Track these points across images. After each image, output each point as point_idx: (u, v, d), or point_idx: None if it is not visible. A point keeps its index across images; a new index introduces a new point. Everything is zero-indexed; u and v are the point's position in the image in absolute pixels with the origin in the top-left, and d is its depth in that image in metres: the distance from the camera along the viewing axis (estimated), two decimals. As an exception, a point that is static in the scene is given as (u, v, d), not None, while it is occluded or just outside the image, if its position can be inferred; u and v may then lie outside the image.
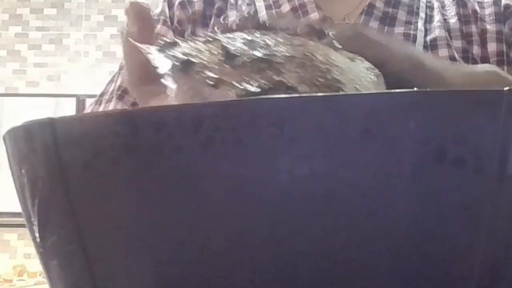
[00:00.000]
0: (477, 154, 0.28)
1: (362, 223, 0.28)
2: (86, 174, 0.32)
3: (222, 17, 0.74)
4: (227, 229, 0.29)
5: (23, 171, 0.34)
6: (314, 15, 0.71)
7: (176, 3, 0.76)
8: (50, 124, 0.32)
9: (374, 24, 0.70)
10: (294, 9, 0.72)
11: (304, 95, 0.28)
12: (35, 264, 3.35)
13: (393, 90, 0.28)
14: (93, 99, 0.78)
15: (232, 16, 0.75)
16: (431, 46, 0.71)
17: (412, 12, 0.72)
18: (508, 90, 0.28)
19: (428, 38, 0.71)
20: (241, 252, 0.29)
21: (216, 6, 0.75)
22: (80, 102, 3.68)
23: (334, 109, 0.28)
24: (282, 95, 0.28)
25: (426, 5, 0.74)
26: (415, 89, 0.29)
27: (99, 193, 0.32)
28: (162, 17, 0.76)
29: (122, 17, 3.94)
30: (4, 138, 0.36)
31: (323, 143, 0.28)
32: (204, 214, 0.29)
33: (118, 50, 4.14)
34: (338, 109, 0.28)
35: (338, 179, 0.28)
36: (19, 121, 0.34)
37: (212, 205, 0.29)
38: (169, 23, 0.75)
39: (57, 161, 0.32)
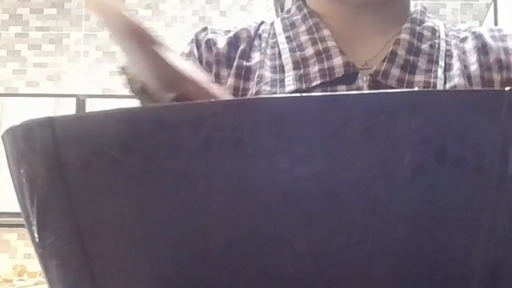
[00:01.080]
0: (478, 154, 0.28)
1: (362, 223, 0.28)
2: (85, 174, 0.31)
3: (245, 59, 0.76)
4: (227, 229, 0.29)
5: (22, 170, 0.34)
6: (337, 60, 0.72)
7: (203, 44, 0.77)
8: (49, 124, 0.32)
9: (395, 71, 0.72)
10: (317, 53, 0.73)
11: (305, 94, 0.28)
12: (35, 264, 3.35)
13: (393, 90, 0.28)
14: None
15: (256, 58, 0.76)
16: None
17: (432, 60, 0.73)
18: (509, 90, 0.28)
19: (448, 85, 0.73)
20: (241, 252, 0.29)
21: (240, 48, 0.77)
22: (80, 102, 3.68)
23: (334, 109, 0.28)
24: (283, 95, 0.28)
25: (446, 54, 0.75)
26: (416, 89, 0.29)
27: (98, 192, 0.31)
28: (191, 58, 0.78)
29: (122, 17, 3.94)
30: (3, 137, 0.36)
31: (323, 143, 0.28)
32: (204, 214, 0.29)
33: (118, 50, 4.13)
34: (339, 108, 0.28)
35: (338, 179, 0.28)
36: (19, 121, 0.34)
37: (212, 205, 0.29)
38: (198, 63, 0.77)
39: (56, 161, 0.32)
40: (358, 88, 0.72)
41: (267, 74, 0.74)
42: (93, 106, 3.62)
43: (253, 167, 0.28)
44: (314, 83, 0.72)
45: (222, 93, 0.44)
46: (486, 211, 0.29)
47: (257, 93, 0.73)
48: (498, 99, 0.28)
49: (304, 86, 0.72)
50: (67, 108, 3.64)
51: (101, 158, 0.31)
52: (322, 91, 0.72)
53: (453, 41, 0.76)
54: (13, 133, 0.35)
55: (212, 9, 3.95)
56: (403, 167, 0.28)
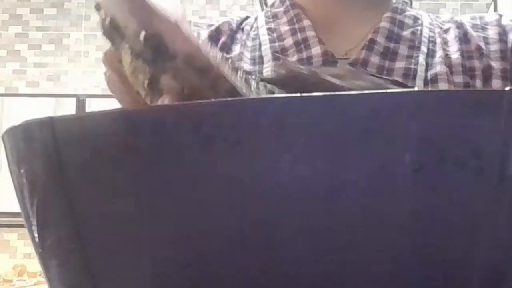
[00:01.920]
0: (478, 154, 0.28)
1: (363, 223, 0.28)
2: (85, 174, 0.31)
3: (225, 51, 0.76)
4: (227, 229, 0.29)
5: (22, 170, 0.34)
6: (316, 49, 0.72)
7: None
8: (49, 124, 0.32)
9: (374, 58, 0.71)
10: (296, 43, 0.73)
11: (305, 94, 0.28)
12: (35, 264, 3.35)
13: (394, 90, 0.28)
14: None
15: (236, 50, 0.76)
16: (432, 80, 0.71)
17: (414, 46, 0.73)
18: (509, 90, 0.28)
19: (429, 73, 0.72)
20: (241, 252, 0.29)
21: (221, 41, 0.77)
22: (80, 102, 3.68)
23: (335, 109, 0.28)
24: (283, 95, 0.28)
25: (429, 40, 0.74)
26: (416, 88, 0.29)
27: (98, 192, 0.31)
28: None
29: (122, 17, 3.94)
30: (3, 137, 0.36)
31: (324, 142, 0.28)
32: (204, 214, 0.29)
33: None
34: (339, 108, 0.28)
35: (338, 179, 0.28)
36: (19, 121, 0.34)
37: (212, 204, 0.29)
38: None
39: (56, 161, 0.32)
40: None
41: (246, 67, 0.74)
42: (93, 106, 3.62)
43: (253, 167, 0.28)
44: None
45: (195, 38, 0.41)
46: (486, 211, 0.29)
47: None
48: (498, 99, 0.28)
49: None
50: (67, 108, 3.64)
51: (101, 158, 0.31)
52: None
53: (437, 30, 0.76)
54: (13, 133, 0.35)
55: (212, 9, 3.95)
56: (403, 167, 0.28)
